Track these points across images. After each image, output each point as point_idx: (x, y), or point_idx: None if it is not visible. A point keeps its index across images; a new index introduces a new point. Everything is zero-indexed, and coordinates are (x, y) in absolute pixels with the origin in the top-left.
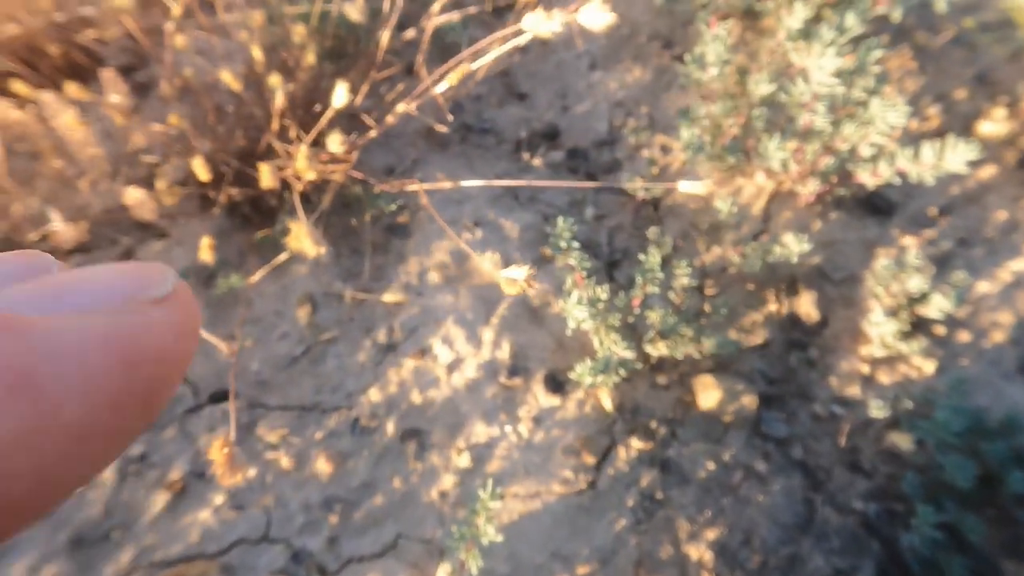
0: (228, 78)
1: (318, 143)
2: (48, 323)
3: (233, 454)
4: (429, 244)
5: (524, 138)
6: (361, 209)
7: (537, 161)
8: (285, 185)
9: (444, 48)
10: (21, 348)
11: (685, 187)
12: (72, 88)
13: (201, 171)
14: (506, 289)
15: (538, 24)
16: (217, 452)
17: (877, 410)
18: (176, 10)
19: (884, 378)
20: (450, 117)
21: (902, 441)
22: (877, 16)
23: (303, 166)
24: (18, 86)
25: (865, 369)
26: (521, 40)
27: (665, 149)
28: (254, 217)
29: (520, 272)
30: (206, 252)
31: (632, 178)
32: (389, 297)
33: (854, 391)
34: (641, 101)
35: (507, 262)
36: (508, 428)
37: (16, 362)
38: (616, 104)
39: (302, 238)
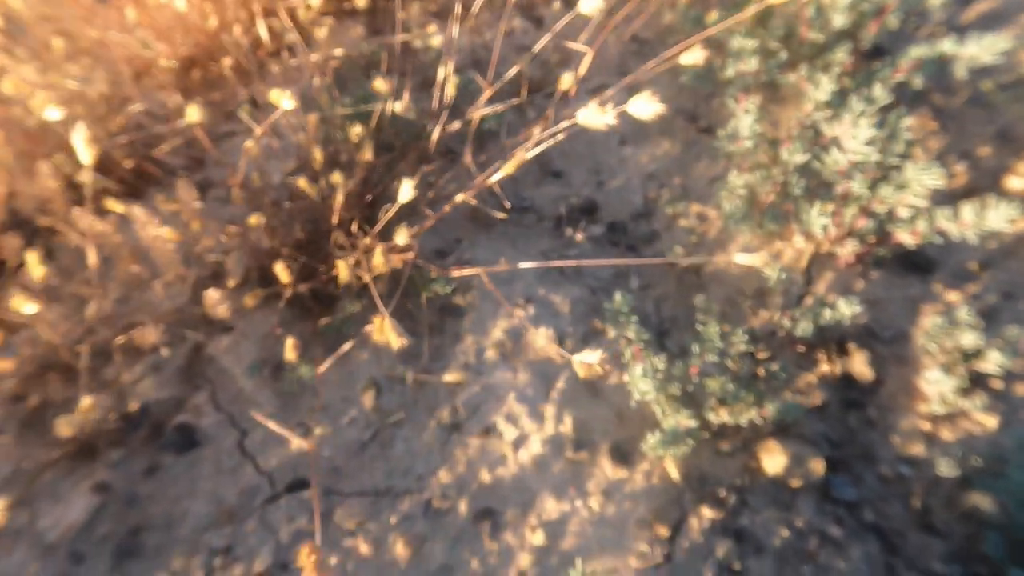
0: (304, 184)
1: (383, 236)
2: None
3: (320, 558)
4: (484, 323)
5: (564, 214)
6: (417, 292)
7: (579, 236)
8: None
9: (482, 133)
10: None
11: (741, 259)
12: (161, 200)
13: (282, 274)
14: (581, 373)
15: (592, 118)
16: (305, 559)
17: (947, 469)
18: (258, 131)
19: (947, 435)
20: (507, 204)
21: (982, 502)
22: (897, 83)
23: (380, 262)
24: (110, 203)
25: (926, 426)
26: (565, 127)
27: (701, 217)
28: (314, 306)
29: (593, 356)
30: (290, 352)
31: (671, 247)
32: (450, 377)
33: (918, 450)
34: (672, 173)
35: (560, 336)
36: (579, 503)
37: None
38: (648, 177)
39: (387, 331)
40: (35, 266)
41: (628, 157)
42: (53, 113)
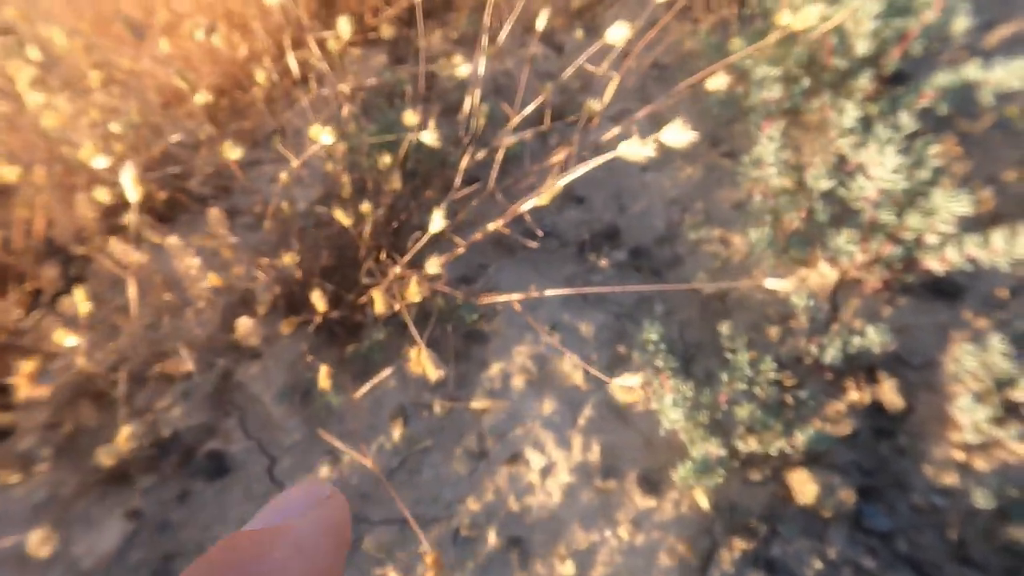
0: (339, 215)
1: (413, 264)
2: (297, 523)
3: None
4: (509, 349)
5: (586, 240)
6: (443, 319)
7: (602, 261)
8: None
9: (505, 160)
10: (291, 538)
11: (771, 284)
12: (197, 237)
13: (319, 303)
14: (622, 398)
15: (632, 151)
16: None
17: (983, 500)
18: (296, 163)
19: (981, 464)
20: (539, 232)
21: (1021, 535)
22: (921, 109)
23: (414, 291)
24: (149, 234)
25: (960, 456)
26: (602, 160)
27: (724, 242)
28: (341, 333)
29: (634, 380)
30: (324, 380)
31: (695, 272)
32: (476, 404)
33: (952, 479)
34: (695, 198)
35: (586, 362)
36: (608, 532)
37: (293, 540)
38: (671, 202)
39: (424, 362)
40: (82, 302)
41: (650, 182)
42: (100, 162)
